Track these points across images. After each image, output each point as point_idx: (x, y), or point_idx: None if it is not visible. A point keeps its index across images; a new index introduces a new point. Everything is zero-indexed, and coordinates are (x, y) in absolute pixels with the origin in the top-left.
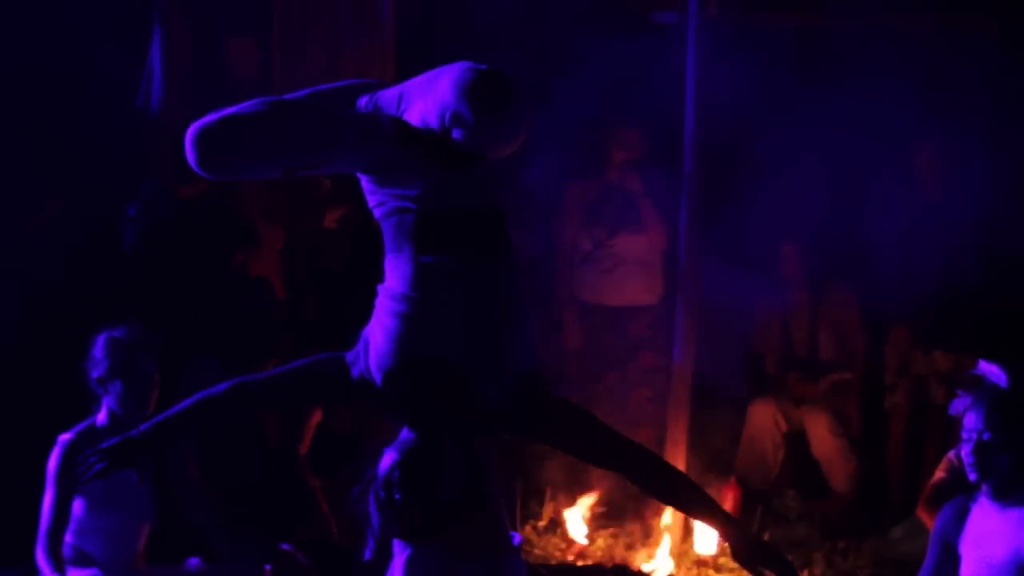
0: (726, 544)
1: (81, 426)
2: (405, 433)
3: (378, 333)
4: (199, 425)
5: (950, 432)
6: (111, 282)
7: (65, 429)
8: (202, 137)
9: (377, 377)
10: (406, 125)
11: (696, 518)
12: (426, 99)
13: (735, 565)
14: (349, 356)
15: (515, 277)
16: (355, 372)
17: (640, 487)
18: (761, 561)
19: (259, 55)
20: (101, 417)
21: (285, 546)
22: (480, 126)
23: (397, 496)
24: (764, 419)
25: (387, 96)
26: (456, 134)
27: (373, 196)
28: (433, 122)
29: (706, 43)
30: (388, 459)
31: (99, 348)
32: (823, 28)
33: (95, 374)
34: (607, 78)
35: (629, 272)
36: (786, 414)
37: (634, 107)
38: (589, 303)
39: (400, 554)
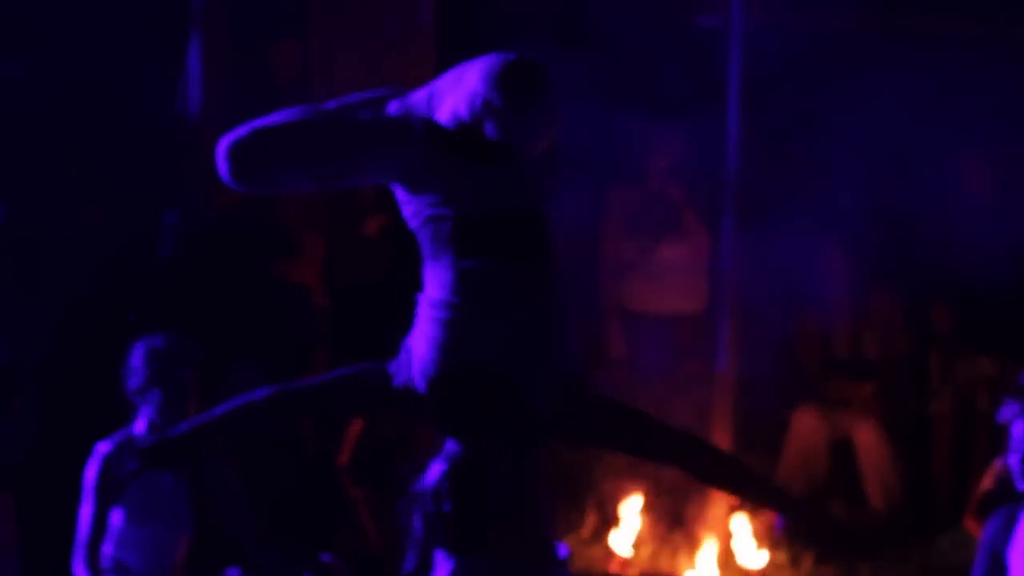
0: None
1: (119, 436)
2: (451, 444)
3: (420, 342)
4: (237, 430)
5: (997, 439)
6: (149, 291)
7: (103, 439)
8: (233, 150)
9: (421, 386)
10: (437, 124)
11: (755, 503)
12: (456, 92)
13: (780, 575)
14: (391, 367)
15: (556, 281)
16: (397, 382)
17: (695, 477)
18: (827, 537)
19: (298, 60)
20: (139, 427)
21: (325, 557)
22: (511, 112)
23: (446, 508)
24: (808, 427)
25: (417, 98)
26: (487, 125)
27: (408, 206)
28: (464, 113)
29: (750, 47)
30: (436, 470)
31: (137, 357)
32: (865, 30)
33: (133, 384)
34: (650, 82)
35: (673, 280)
36: (831, 422)
37: (677, 112)
38: (634, 312)
39: (443, 566)
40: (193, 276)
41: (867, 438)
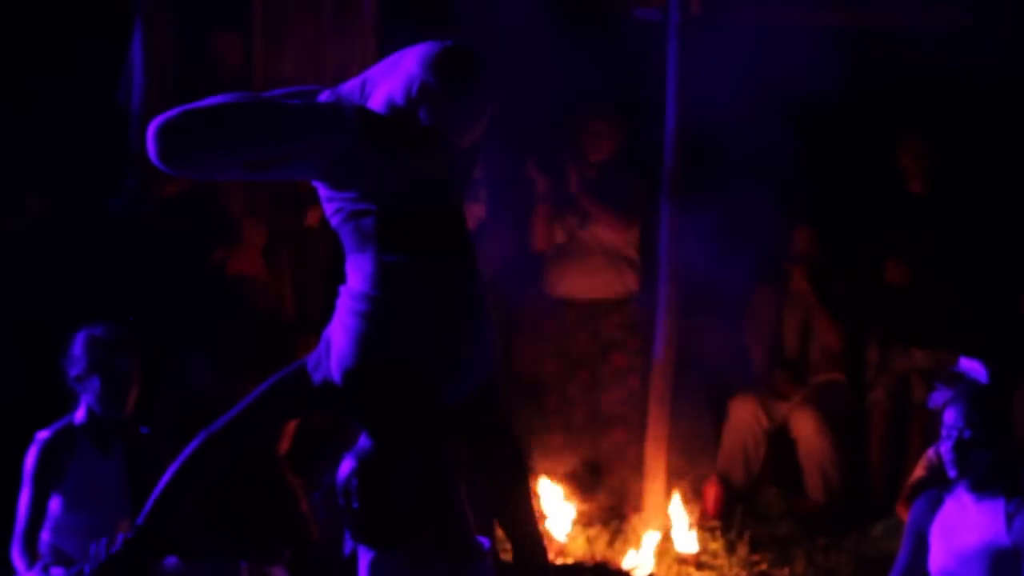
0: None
1: (59, 424)
2: (363, 440)
3: (339, 333)
4: (194, 493)
5: (931, 429)
6: (93, 279)
7: (43, 428)
8: (162, 130)
9: (337, 377)
10: (369, 111)
11: (517, 536)
12: (392, 78)
13: (716, 563)
14: (310, 362)
15: (476, 277)
16: (317, 377)
17: (499, 493)
18: None
19: (241, 51)
20: (79, 415)
21: (264, 545)
22: (448, 96)
23: (355, 504)
24: (745, 416)
25: (349, 87)
26: (422, 110)
27: (331, 203)
28: (399, 98)
29: (688, 41)
30: (346, 467)
31: (78, 346)
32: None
33: (73, 372)
34: (587, 74)
35: (599, 264)
36: (768, 411)
37: (614, 102)
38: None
39: (363, 557)
40: (134, 263)
41: (807, 430)
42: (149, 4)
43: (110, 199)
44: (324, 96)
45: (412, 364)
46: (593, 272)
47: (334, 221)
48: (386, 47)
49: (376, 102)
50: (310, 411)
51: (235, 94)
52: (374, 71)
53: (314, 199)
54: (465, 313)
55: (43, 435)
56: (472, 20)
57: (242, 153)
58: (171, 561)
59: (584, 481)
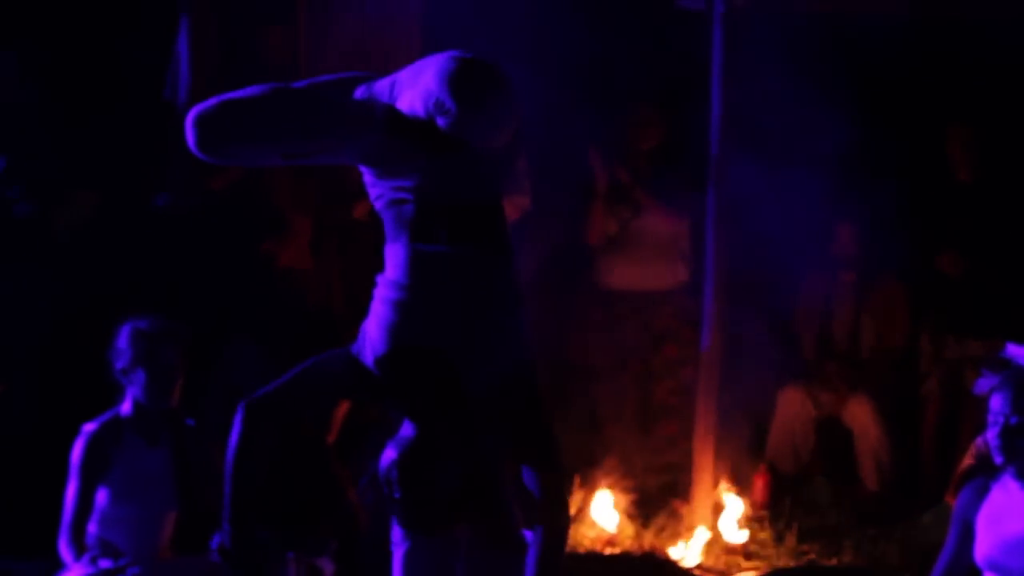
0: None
1: (106, 416)
2: (405, 429)
3: (373, 322)
4: (258, 477)
5: (985, 419)
6: (141, 273)
7: (90, 420)
8: (199, 119)
9: (370, 363)
10: (396, 113)
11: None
12: (414, 88)
13: (764, 553)
14: (353, 350)
15: (510, 268)
16: (357, 364)
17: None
18: None
19: (287, 45)
20: (125, 407)
21: (311, 536)
22: (461, 114)
23: (396, 493)
24: (794, 406)
25: (381, 85)
26: (440, 122)
27: (373, 189)
28: (419, 110)
29: (732, 30)
30: (387, 456)
31: (123, 338)
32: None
33: (119, 365)
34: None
35: (650, 255)
36: (816, 399)
37: (660, 93)
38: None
39: (399, 547)
40: (183, 258)
41: (861, 419)
42: None
43: (157, 194)
44: (359, 91)
45: (438, 352)
46: (644, 263)
47: (376, 206)
48: (432, 39)
49: (401, 107)
50: (349, 395)
51: (272, 84)
52: (403, 74)
53: (362, 192)
54: (494, 305)
55: (89, 427)
56: (516, 11)
57: (274, 144)
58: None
59: (634, 472)
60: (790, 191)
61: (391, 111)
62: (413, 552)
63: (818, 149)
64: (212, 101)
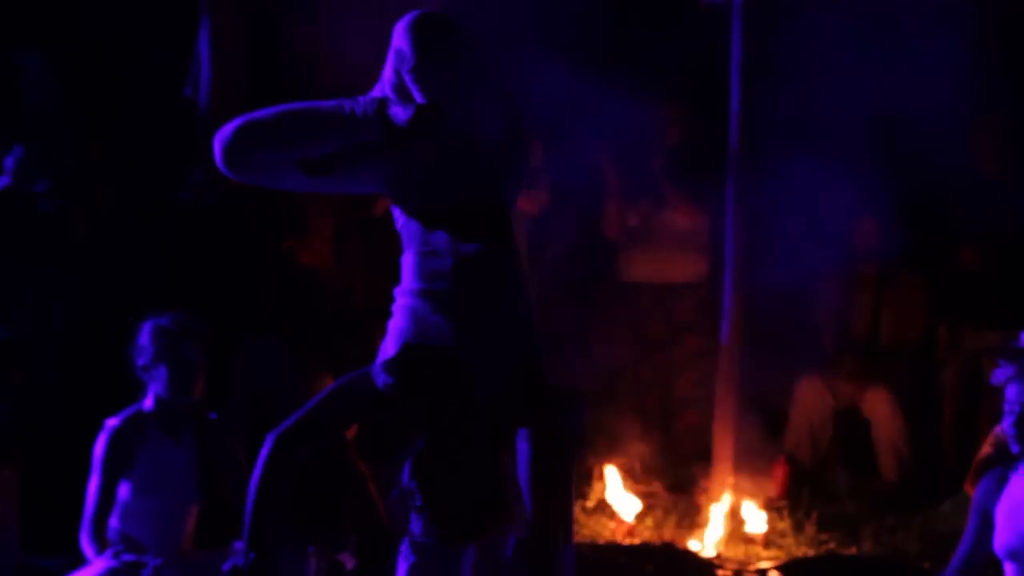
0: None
1: (128, 412)
2: (422, 440)
3: (388, 332)
4: (280, 503)
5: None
6: (162, 269)
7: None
8: (221, 138)
9: (378, 369)
10: (382, 102)
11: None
12: (387, 61)
13: (784, 542)
14: (372, 370)
15: (514, 271)
16: (379, 382)
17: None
18: None
19: (308, 44)
20: (147, 403)
21: (331, 531)
22: (417, 58)
23: (418, 502)
24: (813, 396)
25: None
26: (407, 80)
27: (395, 210)
28: (391, 72)
29: (752, 24)
30: (408, 466)
31: (144, 335)
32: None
33: (141, 361)
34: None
35: (672, 248)
36: (834, 390)
37: (681, 86)
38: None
39: (405, 560)
40: (204, 255)
41: (881, 410)
42: None
43: (179, 191)
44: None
45: (443, 353)
46: (666, 256)
47: (397, 225)
48: None
49: (383, 84)
50: (375, 414)
51: (296, 102)
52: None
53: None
54: (501, 301)
55: (112, 422)
56: (538, 7)
57: (288, 148)
58: (241, 545)
59: (654, 462)
60: (810, 184)
61: (378, 102)
62: (418, 566)
63: (838, 142)
64: (236, 120)
